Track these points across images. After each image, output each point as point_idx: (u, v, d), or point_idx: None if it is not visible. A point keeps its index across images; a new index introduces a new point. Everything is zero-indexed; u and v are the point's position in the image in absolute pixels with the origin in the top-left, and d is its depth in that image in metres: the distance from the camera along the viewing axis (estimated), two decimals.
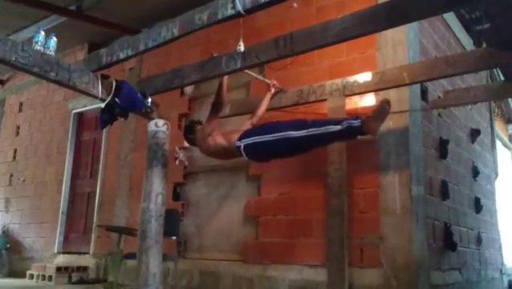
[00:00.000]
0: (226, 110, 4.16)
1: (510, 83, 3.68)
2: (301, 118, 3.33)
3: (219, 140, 3.41)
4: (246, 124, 3.75)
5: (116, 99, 3.07)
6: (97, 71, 3.15)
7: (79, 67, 3.05)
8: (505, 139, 8.53)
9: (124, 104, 3.11)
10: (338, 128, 2.96)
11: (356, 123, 2.94)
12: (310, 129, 3.03)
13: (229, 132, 3.52)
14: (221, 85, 3.45)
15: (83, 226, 6.54)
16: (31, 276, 6.02)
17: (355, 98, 3.98)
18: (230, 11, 2.43)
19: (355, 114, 3.35)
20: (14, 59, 2.59)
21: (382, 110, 3.00)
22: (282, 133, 3.09)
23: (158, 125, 3.27)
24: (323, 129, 3.00)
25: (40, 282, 5.80)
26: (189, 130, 3.68)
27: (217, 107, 3.43)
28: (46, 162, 7.20)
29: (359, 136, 3.08)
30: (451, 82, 4.83)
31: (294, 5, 4.40)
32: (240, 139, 3.29)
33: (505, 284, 6.34)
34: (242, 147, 3.24)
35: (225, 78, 3.42)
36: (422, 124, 4.07)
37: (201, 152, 3.61)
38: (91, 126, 6.92)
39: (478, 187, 5.70)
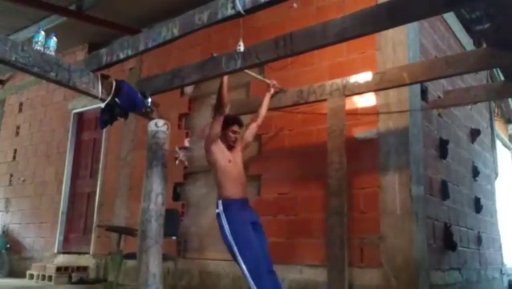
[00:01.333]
0: (226, 110, 4.15)
1: (510, 83, 3.68)
2: (264, 264, 3.15)
3: (218, 167, 3.30)
4: (251, 126, 3.71)
5: (116, 99, 3.07)
6: (97, 71, 3.15)
7: (79, 67, 3.05)
8: (505, 139, 8.53)
9: (124, 104, 3.11)
10: None
11: None
12: (253, 278, 3.00)
13: (232, 177, 3.32)
14: (221, 86, 3.45)
15: (83, 226, 6.54)
16: (31, 276, 6.02)
17: (355, 98, 3.98)
18: (230, 11, 2.43)
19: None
20: (14, 59, 2.59)
21: None
22: (238, 254, 3.06)
23: (158, 125, 3.26)
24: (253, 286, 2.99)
25: (40, 282, 5.80)
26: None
27: (219, 109, 3.40)
28: (46, 162, 7.20)
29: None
30: (451, 82, 4.83)
31: (294, 5, 4.40)
32: (224, 203, 3.21)
33: (505, 284, 6.34)
34: (217, 211, 3.24)
35: (226, 78, 3.42)
36: (422, 124, 4.08)
37: (206, 147, 3.51)
38: (91, 126, 6.92)
39: (478, 187, 5.70)
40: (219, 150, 3.34)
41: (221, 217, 3.20)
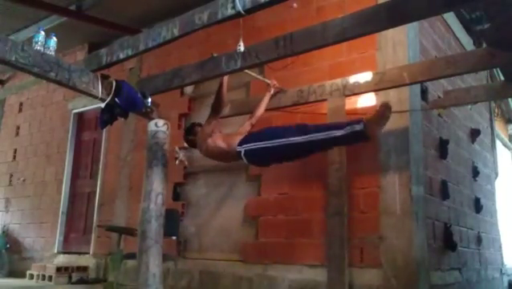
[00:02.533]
0: (226, 110, 4.16)
1: (510, 83, 3.67)
2: (302, 123, 3.32)
3: (219, 142, 3.42)
4: (246, 124, 3.77)
5: (116, 99, 3.07)
6: (97, 71, 3.15)
7: (79, 67, 3.05)
8: (506, 139, 8.53)
9: (124, 104, 3.11)
10: (340, 132, 2.95)
11: (359, 127, 2.91)
12: (311, 135, 3.02)
13: (229, 135, 3.52)
14: (221, 85, 3.45)
15: (83, 226, 6.54)
16: (31, 276, 6.02)
17: (355, 98, 3.98)
18: (230, 11, 2.43)
19: (355, 116, 3.34)
20: (14, 59, 2.59)
21: (384, 114, 2.99)
22: (283, 139, 3.09)
23: (158, 125, 3.26)
24: (324, 134, 2.99)
25: (40, 282, 5.80)
26: (189, 132, 3.71)
27: (216, 108, 3.43)
28: (46, 162, 7.20)
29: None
30: (451, 82, 4.83)
31: (294, 5, 4.40)
32: (241, 144, 3.30)
33: (505, 284, 6.33)
34: (243, 152, 3.27)
35: (225, 78, 3.42)
36: (422, 124, 4.07)
37: (201, 153, 3.61)
38: (91, 126, 6.92)
39: (478, 187, 5.69)
40: (214, 137, 3.45)
41: (248, 149, 3.25)
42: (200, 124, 3.69)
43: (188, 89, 5.43)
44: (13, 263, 6.99)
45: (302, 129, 3.09)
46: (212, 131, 3.46)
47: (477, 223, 5.40)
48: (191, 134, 3.69)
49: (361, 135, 2.94)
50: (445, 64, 3.38)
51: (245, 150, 3.26)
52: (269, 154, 3.23)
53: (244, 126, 3.76)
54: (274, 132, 3.23)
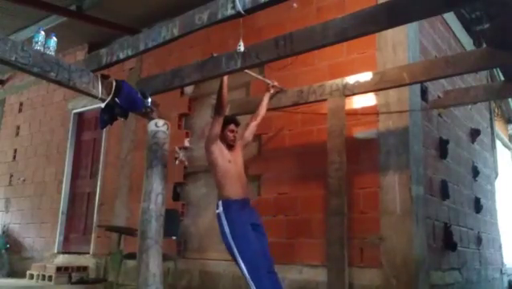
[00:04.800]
0: (226, 110, 4.15)
1: (510, 83, 3.68)
2: (264, 266, 3.14)
3: (219, 167, 3.31)
4: (251, 125, 3.73)
5: (116, 99, 3.07)
6: (97, 71, 3.15)
7: (79, 67, 3.04)
8: (505, 139, 8.53)
9: (124, 104, 3.11)
10: None
11: None
12: (253, 279, 3.01)
13: (232, 177, 3.32)
14: (221, 86, 3.45)
15: (83, 226, 6.54)
16: (31, 276, 6.02)
17: (355, 98, 3.98)
18: (230, 11, 2.43)
19: None
20: (14, 59, 2.59)
21: None
22: (238, 254, 3.06)
23: (158, 125, 3.26)
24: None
25: (40, 282, 5.80)
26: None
27: (218, 109, 3.41)
28: (46, 162, 7.20)
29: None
30: (451, 82, 4.83)
31: (294, 5, 4.40)
32: (225, 204, 3.22)
33: (505, 284, 6.34)
34: (217, 211, 3.25)
35: (226, 78, 3.42)
36: (422, 124, 4.07)
37: (205, 146, 3.53)
38: (91, 126, 6.92)
39: (478, 187, 5.70)
40: (219, 150, 3.35)
41: (221, 217, 3.21)
42: (235, 119, 3.54)
43: (188, 89, 5.43)
44: (13, 263, 6.99)
45: (256, 268, 3.05)
46: (216, 136, 3.34)
47: (477, 223, 5.41)
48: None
49: None
50: (445, 64, 3.38)
51: (218, 213, 3.23)
52: (223, 240, 3.18)
53: (249, 128, 3.70)
54: (242, 240, 3.12)
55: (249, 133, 3.69)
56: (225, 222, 3.18)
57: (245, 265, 3.04)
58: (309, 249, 4.07)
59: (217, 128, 3.34)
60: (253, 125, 3.73)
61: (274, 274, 3.23)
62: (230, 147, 3.44)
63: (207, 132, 3.49)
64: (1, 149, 8.13)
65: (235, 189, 3.30)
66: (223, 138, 3.41)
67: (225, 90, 3.41)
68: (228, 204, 3.23)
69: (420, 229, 3.67)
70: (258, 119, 3.78)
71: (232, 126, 3.46)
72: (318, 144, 4.04)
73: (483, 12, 2.41)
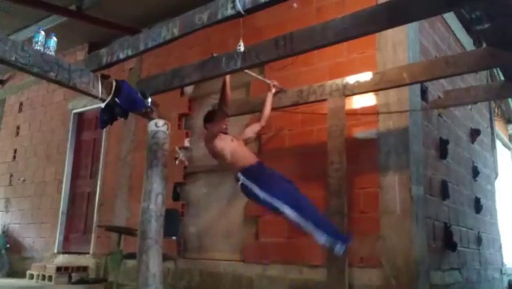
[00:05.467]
0: (229, 109, 4.14)
1: (510, 83, 3.67)
2: (304, 198, 3.21)
3: (226, 151, 3.39)
4: (254, 125, 3.78)
5: (116, 99, 3.07)
6: (97, 71, 3.15)
7: (79, 67, 3.04)
8: (505, 139, 8.53)
9: (124, 104, 3.11)
10: (321, 238, 2.98)
11: (340, 249, 2.98)
12: (302, 216, 3.02)
13: (240, 151, 3.45)
14: (224, 86, 3.45)
15: (83, 226, 6.54)
16: (31, 276, 6.02)
17: (355, 98, 3.98)
18: (230, 11, 2.43)
19: (348, 233, 3.41)
20: (14, 58, 2.59)
21: None
22: (277, 202, 3.08)
23: (158, 125, 3.26)
24: (311, 226, 2.99)
25: (40, 282, 5.80)
26: (208, 119, 3.62)
27: (222, 108, 3.43)
28: (46, 162, 7.20)
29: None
30: (451, 82, 4.83)
31: (294, 5, 4.40)
32: (243, 172, 3.29)
33: (505, 284, 6.33)
34: (240, 183, 3.29)
35: (228, 78, 3.42)
36: (422, 124, 4.07)
37: (206, 147, 3.57)
38: (91, 126, 6.92)
39: (478, 187, 5.69)
40: (220, 140, 3.43)
41: (245, 184, 3.26)
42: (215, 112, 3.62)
43: (189, 89, 5.43)
44: (13, 263, 6.98)
45: (299, 206, 3.06)
46: (218, 132, 3.42)
47: (477, 223, 5.40)
48: (210, 121, 3.60)
49: (336, 252, 3.01)
50: (445, 64, 3.38)
51: (242, 183, 3.28)
52: (258, 202, 3.23)
53: (252, 127, 3.77)
54: (275, 190, 3.17)
55: (250, 130, 3.75)
56: (250, 184, 3.22)
57: (289, 206, 3.04)
58: (309, 249, 4.06)
59: (220, 126, 3.43)
60: (256, 125, 3.80)
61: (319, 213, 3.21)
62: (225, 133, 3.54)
63: (211, 130, 3.51)
64: (1, 149, 8.12)
65: (248, 158, 3.43)
66: (218, 130, 3.48)
67: (228, 89, 3.43)
68: (246, 169, 3.31)
69: (420, 229, 3.67)
70: (262, 121, 3.84)
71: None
72: (319, 144, 4.04)
73: (483, 12, 2.41)
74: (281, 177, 3.38)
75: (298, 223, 3.03)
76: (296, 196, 3.17)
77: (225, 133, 3.53)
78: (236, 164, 3.37)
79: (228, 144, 3.42)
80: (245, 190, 3.29)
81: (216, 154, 3.47)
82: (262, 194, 3.16)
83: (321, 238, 2.98)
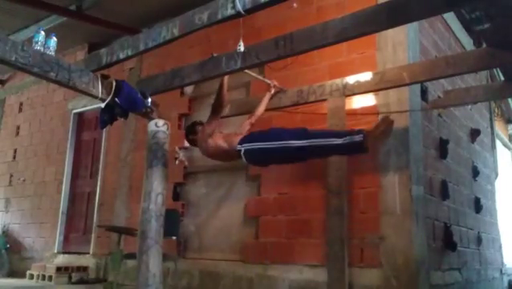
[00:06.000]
0: (226, 110, 4.16)
1: (510, 83, 3.67)
2: (303, 127, 3.34)
3: (220, 142, 3.45)
4: (245, 123, 3.80)
5: (116, 99, 3.07)
6: (97, 71, 3.14)
7: (79, 67, 3.04)
8: (505, 139, 8.53)
9: (124, 104, 3.11)
10: (339, 141, 2.99)
11: (358, 138, 2.95)
12: (311, 140, 3.06)
13: (230, 134, 3.54)
14: (221, 86, 3.46)
15: (83, 226, 6.54)
16: (31, 276, 6.02)
17: (355, 98, 3.98)
18: (230, 11, 2.43)
19: (357, 127, 3.35)
20: (14, 58, 2.59)
21: (385, 129, 3.01)
22: (283, 142, 3.13)
23: (158, 125, 3.26)
24: (324, 141, 3.03)
25: (40, 282, 5.80)
26: (191, 131, 3.71)
27: (217, 108, 3.45)
28: (46, 162, 7.20)
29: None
30: (451, 82, 4.83)
31: (294, 5, 4.40)
32: (241, 143, 3.33)
33: (505, 284, 6.33)
34: (243, 151, 3.31)
35: (226, 78, 3.42)
36: (422, 124, 4.07)
37: (202, 153, 3.63)
38: (91, 126, 6.92)
39: (478, 187, 5.69)
40: (214, 137, 3.49)
41: (248, 149, 3.30)
42: (201, 123, 3.71)
43: (188, 89, 5.43)
44: (13, 263, 6.99)
45: (303, 133, 3.13)
46: (212, 131, 3.47)
47: (477, 223, 5.40)
48: (192, 133, 3.71)
49: (359, 146, 2.97)
50: (445, 64, 3.38)
51: (245, 149, 3.30)
52: (268, 155, 3.27)
53: (243, 125, 3.78)
54: (274, 134, 3.26)
55: (242, 129, 3.76)
56: (253, 145, 3.28)
57: (297, 140, 3.09)
58: (309, 249, 4.07)
59: (214, 126, 3.50)
60: (246, 123, 3.81)
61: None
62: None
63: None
64: (1, 149, 8.12)
65: (241, 134, 3.51)
66: (208, 135, 3.55)
67: (224, 90, 3.43)
68: (243, 139, 3.38)
69: (420, 229, 3.67)
70: (253, 118, 3.85)
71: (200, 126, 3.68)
72: None
73: (483, 12, 2.41)
74: (276, 128, 3.49)
75: (312, 144, 3.05)
76: (298, 130, 3.23)
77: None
78: (232, 144, 3.41)
79: (220, 137, 3.50)
80: (250, 154, 3.31)
81: (214, 152, 3.50)
82: (268, 145, 3.21)
83: (338, 141, 3.01)
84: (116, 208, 5.92)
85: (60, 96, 7.29)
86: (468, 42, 5.50)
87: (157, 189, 3.13)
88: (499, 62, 3.22)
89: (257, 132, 3.53)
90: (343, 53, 4.19)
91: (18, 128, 7.95)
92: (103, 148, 6.48)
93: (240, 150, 3.32)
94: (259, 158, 3.37)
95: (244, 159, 3.34)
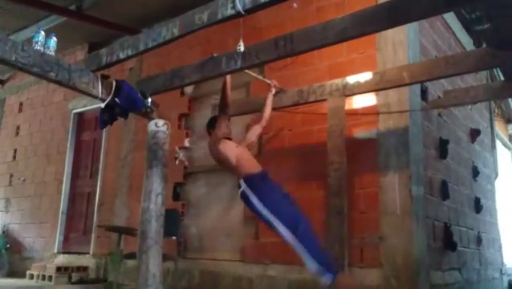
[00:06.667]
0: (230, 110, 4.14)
1: (510, 83, 3.67)
2: (304, 218, 3.17)
3: (232, 157, 3.37)
4: (255, 128, 3.74)
5: (116, 99, 3.07)
6: (97, 71, 3.14)
7: (79, 67, 3.04)
8: (505, 139, 8.53)
9: (124, 104, 3.11)
10: (313, 266, 2.97)
11: (328, 278, 2.95)
12: (296, 240, 3.00)
13: (245, 158, 3.41)
14: (224, 86, 3.45)
15: (83, 226, 6.54)
16: (31, 276, 6.02)
17: (355, 98, 3.98)
18: (230, 11, 2.43)
19: (338, 264, 3.33)
20: (14, 58, 2.59)
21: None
22: (274, 220, 3.06)
23: (158, 125, 3.26)
24: (303, 252, 2.98)
25: (40, 282, 5.80)
26: (211, 125, 3.61)
27: (223, 109, 3.44)
28: (46, 162, 7.20)
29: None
30: (451, 82, 4.83)
31: (294, 5, 4.40)
32: (246, 180, 3.26)
33: (505, 284, 6.33)
34: (241, 190, 3.27)
35: (228, 78, 3.42)
36: (422, 124, 4.07)
37: (211, 156, 3.57)
38: (91, 126, 6.92)
39: (478, 187, 5.69)
40: (225, 146, 3.41)
41: (246, 192, 3.23)
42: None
43: (188, 89, 5.43)
44: (13, 263, 6.99)
45: (295, 227, 3.03)
46: (223, 136, 3.41)
47: (477, 223, 5.40)
48: (212, 127, 3.59)
49: (322, 279, 2.97)
50: (445, 64, 3.38)
51: (243, 191, 3.25)
52: (256, 213, 3.20)
53: (254, 130, 3.72)
54: (273, 204, 3.14)
55: (252, 134, 3.69)
56: (251, 194, 3.20)
57: (286, 226, 3.02)
58: None
59: (224, 129, 3.42)
60: (257, 127, 3.74)
61: (315, 236, 3.16)
62: (229, 139, 3.52)
63: (216, 133, 3.48)
64: (1, 149, 8.12)
65: (252, 165, 3.39)
66: (222, 135, 3.46)
67: (228, 90, 3.42)
68: (249, 178, 3.28)
69: (420, 229, 3.67)
70: (263, 122, 3.79)
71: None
72: (318, 144, 4.04)
73: (483, 12, 2.41)
74: (284, 195, 3.33)
75: (291, 245, 3.01)
76: (296, 218, 3.12)
77: (230, 139, 3.51)
78: (240, 169, 3.35)
79: (233, 150, 3.41)
80: (245, 199, 3.26)
81: (221, 160, 3.45)
82: (260, 207, 3.13)
83: (312, 266, 2.98)
84: (116, 208, 5.92)
85: (60, 96, 7.29)
86: (468, 42, 5.50)
87: (157, 189, 3.14)
88: (499, 62, 3.22)
89: (265, 185, 3.32)
90: (343, 53, 4.19)
91: (18, 128, 7.95)
92: (103, 148, 6.48)
93: (240, 185, 3.28)
94: (249, 208, 3.29)
95: (239, 193, 3.31)
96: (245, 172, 3.32)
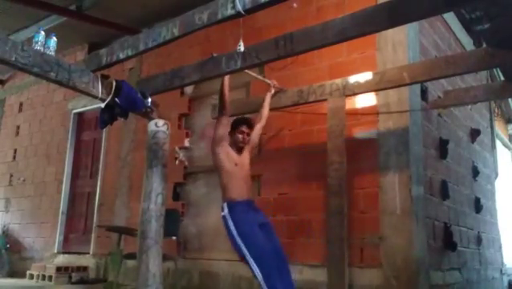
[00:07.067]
0: (229, 110, 4.14)
1: (510, 83, 3.67)
2: (279, 267, 3.09)
3: (225, 171, 3.30)
4: (256, 127, 3.68)
5: (116, 99, 3.07)
6: (97, 71, 3.14)
7: (79, 67, 3.04)
8: (505, 139, 8.53)
9: (124, 104, 3.11)
10: None
11: None
12: (265, 280, 2.95)
13: (237, 180, 3.30)
14: (223, 86, 3.44)
15: (83, 226, 6.54)
16: (31, 276, 6.02)
17: (355, 98, 3.98)
18: (230, 11, 2.43)
19: None
20: (14, 59, 2.58)
21: None
22: (249, 258, 3.02)
23: (158, 125, 3.26)
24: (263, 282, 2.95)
25: (40, 282, 5.80)
26: (233, 128, 3.51)
27: (221, 109, 3.43)
28: (46, 162, 7.20)
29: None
30: (451, 82, 4.83)
31: (294, 5, 4.40)
32: (230, 206, 3.20)
33: (505, 284, 6.33)
34: (223, 214, 3.23)
35: (227, 78, 3.41)
36: (422, 124, 4.07)
37: (211, 148, 3.52)
38: (91, 126, 6.92)
39: (478, 187, 5.69)
40: (225, 153, 3.35)
41: (227, 219, 3.19)
42: (246, 121, 3.52)
43: (188, 89, 5.43)
44: (13, 263, 6.99)
45: (268, 271, 2.99)
46: (222, 138, 3.36)
47: (477, 223, 5.40)
48: (233, 130, 3.50)
49: None
50: (445, 64, 3.38)
51: (224, 216, 3.20)
52: (232, 244, 3.16)
53: (255, 130, 3.67)
54: (251, 241, 3.08)
55: (254, 136, 3.66)
56: (231, 223, 3.16)
57: (256, 264, 3.00)
58: (309, 249, 4.07)
59: (222, 130, 3.37)
60: (257, 128, 3.70)
61: (286, 273, 3.15)
62: (239, 149, 3.41)
63: (215, 133, 3.44)
64: (1, 149, 8.12)
65: (240, 191, 3.28)
66: (233, 141, 3.41)
67: (226, 90, 3.42)
68: (233, 205, 3.22)
69: (420, 229, 3.67)
70: (263, 121, 3.77)
71: (243, 127, 3.44)
72: (318, 144, 4.04)
73: (483, 12, 2.41)
74: (265, 226, 3.25)
75: (257, 279, 2.98)
76: (271, 261, 3.04)
77: (241, 147, 3.40)
78: (227, 190, 3.28)
79: (229, 165, 3.32)
80: (225, 224, 3.20)
81: (215, 165, 3.39)
82: (237, 238, 3.09)
83: None
84: (116, 208, 5.92)
85: (60, 96, 7.29)
86: (468, 42, 5.50)
87: (157, 189, 3.14)
88: (499, 62, 3.22)
89: (250, 212, 3.26)
90: (343, 53, 4.19)
91: (18, 128, 7.95)
92: (103, 148, 6.48)
93: (222, 208, 3.22)
94: (227, 234, 3.20)
95: (220, 218, 3.26)
96: (230, 197, 3.25)
